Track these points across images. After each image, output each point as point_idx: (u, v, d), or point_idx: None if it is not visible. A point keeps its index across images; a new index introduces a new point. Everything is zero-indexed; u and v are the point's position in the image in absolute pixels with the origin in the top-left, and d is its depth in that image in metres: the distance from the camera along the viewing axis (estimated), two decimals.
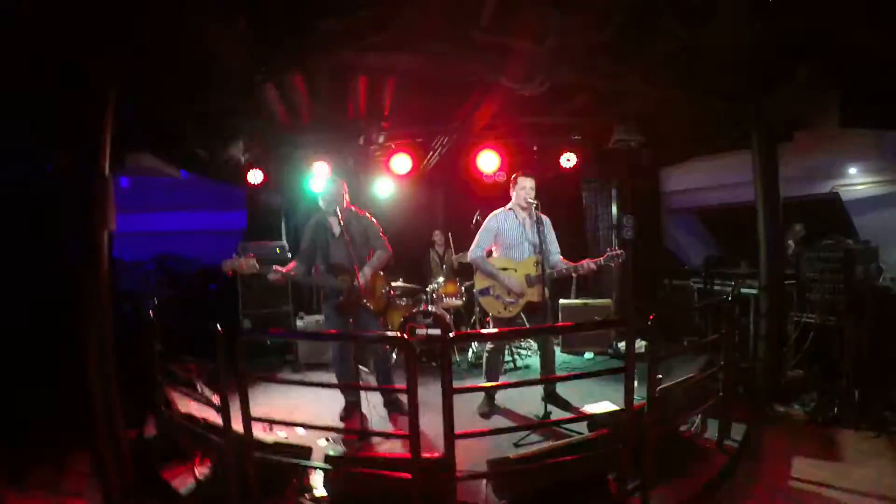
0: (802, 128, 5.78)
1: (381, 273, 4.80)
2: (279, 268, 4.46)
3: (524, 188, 4.70)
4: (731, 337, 4.07)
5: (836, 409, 4.78)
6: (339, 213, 4.50)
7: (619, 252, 4.64)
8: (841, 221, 6.35)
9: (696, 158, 7.39)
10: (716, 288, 6.68)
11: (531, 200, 4.66)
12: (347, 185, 4.79)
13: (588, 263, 4.62)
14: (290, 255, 6.83)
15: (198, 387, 4.76)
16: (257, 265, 4.34)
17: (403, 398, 4.72)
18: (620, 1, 3.87)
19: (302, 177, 6.93)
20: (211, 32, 3.77)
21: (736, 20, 3.99)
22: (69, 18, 3.37)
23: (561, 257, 4.79)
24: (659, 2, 3.90)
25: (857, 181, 6.06)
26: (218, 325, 3.16)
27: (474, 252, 4.79)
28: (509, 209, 4.83)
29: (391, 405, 4.83)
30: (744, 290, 5.87)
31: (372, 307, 4.60)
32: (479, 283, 4.80)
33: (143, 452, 3.94)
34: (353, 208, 4.76)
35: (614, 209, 8.16)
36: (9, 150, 4.23)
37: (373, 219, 4.81)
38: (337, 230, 4.57)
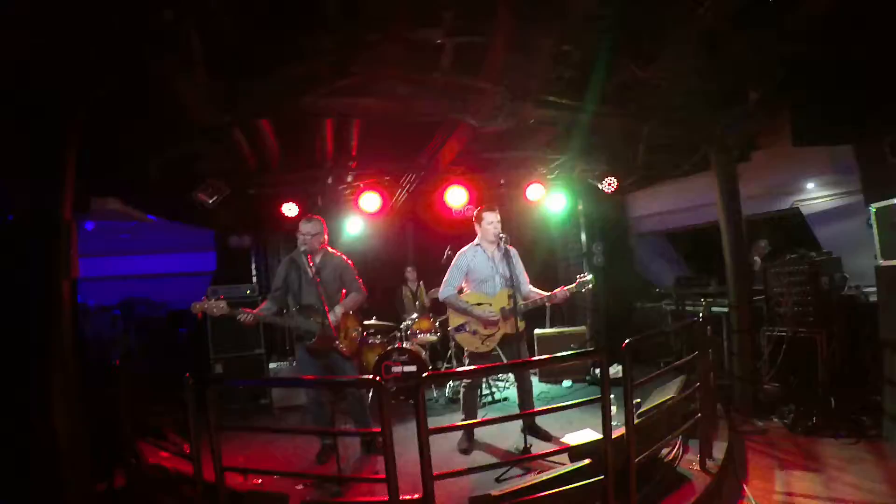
0: (759, 148, 5.98)
1: (354, 315, 4.73)
2: (249, 309, 4.37)
3: (490, 223, 4.71)
4: (705, 357, 4.10)
5: (814, 418, 4.85)
6: (311, 254, 4.46)
7: (588, 278, 4.68)
8: (804, 235, 6.53)
9: (660, 182, 7.56)
10: (688, 308, 6.76)
11: (497, 233, 4.68)
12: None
13: (560, 291, 4.65)
14: (259, 297, 6.74)
15: (168, 436, 4.62)
16: (227, 307, 4.26)
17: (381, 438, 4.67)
18: (575, 42, 4.00)
19: (271, 218, 6.89)
20: (173, 80, 3.76)
21: (682, 57, 4.15)
22: (31, 61, 3.34)
23: (532, 287, 4.81)
24: (611, 44, 4.04)
25: (815, 195, 6.25)
26: (188, 374, 3.08)
27: (446, 290, 4.76)
28: (476, 244, 4.83)
29: (369, 446, 4.71)
30: (715, 309, 5.95)
31: (344, 349, 4.52)
32: (454, 320, 4.78)
33: None
34: (329, 249, 4.71)
35: (583, 237, 8.27)
36: None
37: (349, 261, 4.76)
38: (310, 270, 4.51)
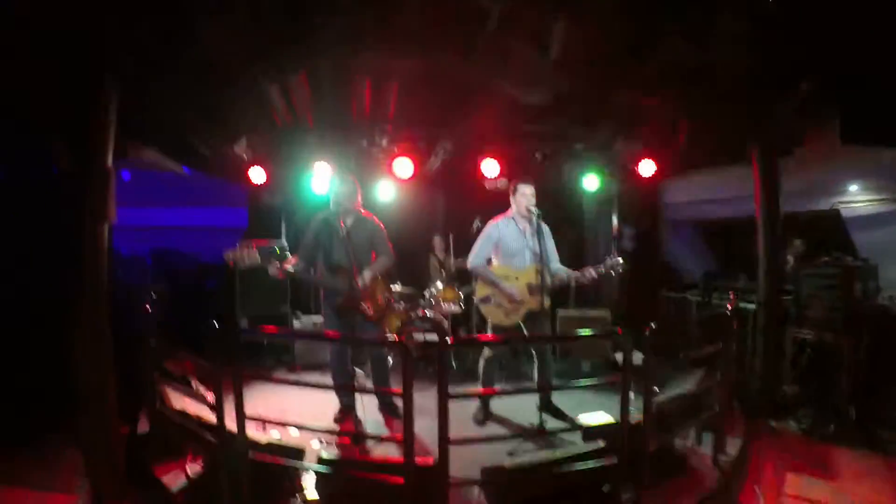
0: (804, 143, 5.81)
1: (382, 279, 4.77)
2: (279, 262, 4.42)
3: (524, 195, 4.68)
4: (728, 351, 4.06)
5: (831, 426, 4.78)
6: (347, 213, 4.48)
7: (618, 260, 4.64)
8: (840, 238, 6.38)
9: (698, 170, 7.40)
10: (714, 302, 6.67)
11: (532, 209, 4.64)
12: None
13: (589, 271, 4.62)
14: (289, 254, 6.80)
15: (192, 384, 4.75)
16: (259, 257, 4.30)
17: (399, 402, 4.74)
18: (625, 15, 3.89)
19: (303, 177, 6.92)
20: (211, 28, 3.77)
21: (736, 39, 4.02)
22: (70, 14, 3.37)
23: (560, 266, 4.78)
24: (661, 17, 3.92)
25: (857, 198, 6.09)
26: (215, 323, 3.15)
27: (474, 260, 4.76)
28: (509, 217, 4.81)
29: (387, 408, 4.81)
30: (742, 305, 5.86)
31: (370, 312, 4.56)
32: (480, 291, 4.78)
33: (135, 448, 3.93)
34: (361, 211, 4.73)
35: (614, 220, 8.17)
36: (15, 150, 4.23)
37: (381, 224, 4.78)
38: (342, 230, 4.54)
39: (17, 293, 4.16)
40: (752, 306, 5.61)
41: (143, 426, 4.25)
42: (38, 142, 4.15)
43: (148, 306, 4.10)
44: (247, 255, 4.27)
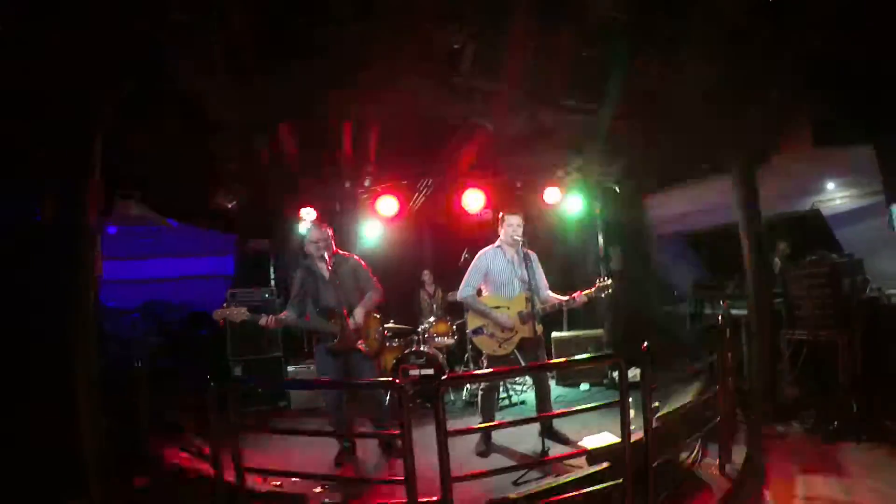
0: (779, 148, 5.92)
1: (374, 314, 4.77)
2: (269, 315, 4.42)
3: (511, 225, 4.70)
4: (724, 360, 4.06)
5: (835, 423, 4.77)
6: (326, 257, 4.49)
7: (607, 283, 4.66)
8: (824, 236, 6.45)
9: (679, 184, 7.50)
10: (706, 311, 6.70)
11: (518, 238, 4.66)
12: (335, 228, 4.80)
13: (578, 296, 4.64)
14: (277, 300, 6.79)
15: (188, 437, 4.68)
16: (248, 313, 4.32)
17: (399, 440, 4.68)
18: (595, 43, 4.00)
19: (290, 222, 6.95)
20: (192, 82, 3.83)
21: (702, 59, 4.13)
22: (57, 71, 3.42)
23: (550, 292, 4.80)
24: (629, 47, 4.03)
25: (835, 196, 6.18)
26: (209, 375, 3.12)
27: (464, 291, 4.76)
28: (497, 247, 4.82)
29: (386, 448, 4.74)
30: (734, 312, 5.89)
31: (366, 349, 4.56)
32: (472, 322, 4.78)
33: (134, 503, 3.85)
34: (340, 252, 4.75)
35: (601, 240, 8.23)
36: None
37: (361, 261, 4.80)
38: (326, 275, 4.56)
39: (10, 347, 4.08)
40: (743, 312, 5.64)
41: (140, 481, 4.16)
42: (22, 190, 4.13)
43: (138, 362, 4.06)
44: (236, 313, 4.29)
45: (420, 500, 2.76)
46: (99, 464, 3.48)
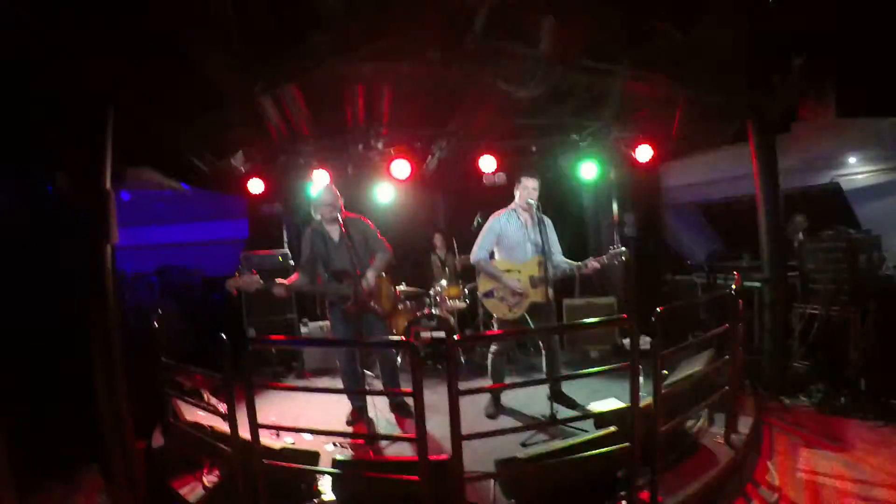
0: (800, 118, 5.79)
1: (385, 275, 4.80)
2: (282, 281, 4.46)
3: (527, 188, 4.68)
4: (735, 330, 4.06)
5: (842, 399, 4.78)
6: (339, 219, 4.50)
7: (621, 249, 4.65)
8: (842, 211, 6.36)
9: (696, 153, 7.40)
10: (719, 282, 6.67)
11: (532, 201, 4.65)
12: (348, 191, 4.80)
13: (591, 262, 4.63)
14: (292, 262, 6.85)
15: (204, 396, 4.79)
16: (260, 281, 4.36)
17: (409, 401, 4.75)
18: (614, 4, 3.90)
19: (302, 185, 6.96)
20: (204, 51, 3.81)
21: (727, 18, 4.01)
22: (67, 39, 3.41)
23: (563, 257, 4.80)
24: (651, 5, 3.92)
25: (856, 170, 6.06)
26: (224, 335, 3.18)
27: (477, 254, 4.77)
28: (511, 210, 4.81)
29: (398, 408, 4.84)
30: (747, 283, 5.86)
31: (379, 309, 4.62)
32: (483, 285, 4.80)
33: (151, 463, 3.97)
34: (348, 214, 4.75)
35: (615, 207, 8.16)
36: (8, 172, 4.27)
37: (369, 221, 4.80)
38: (336, 237, 4.57)
39: (25, 319, 4.18)
40: (757, 284, 5.61)
41: (159, 441, 4.29)
42: (34, 164, 4.18)
43: (156, 323, 4.14)
44: (249, 283, 4.34)
45: (430, 457, 2.81)
46: (117, 425, 3.56)
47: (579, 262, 4.68)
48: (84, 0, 3.30)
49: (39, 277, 4.18)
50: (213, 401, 4.58)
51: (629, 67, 4.60)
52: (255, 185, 6.80)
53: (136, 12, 3.41)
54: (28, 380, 4.06)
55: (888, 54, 4.38)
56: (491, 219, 4.84)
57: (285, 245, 7.73)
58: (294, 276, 4.67)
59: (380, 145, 6.68)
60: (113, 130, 3.72)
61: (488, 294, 4.74)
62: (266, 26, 3.84)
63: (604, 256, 4.64)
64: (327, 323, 5.79)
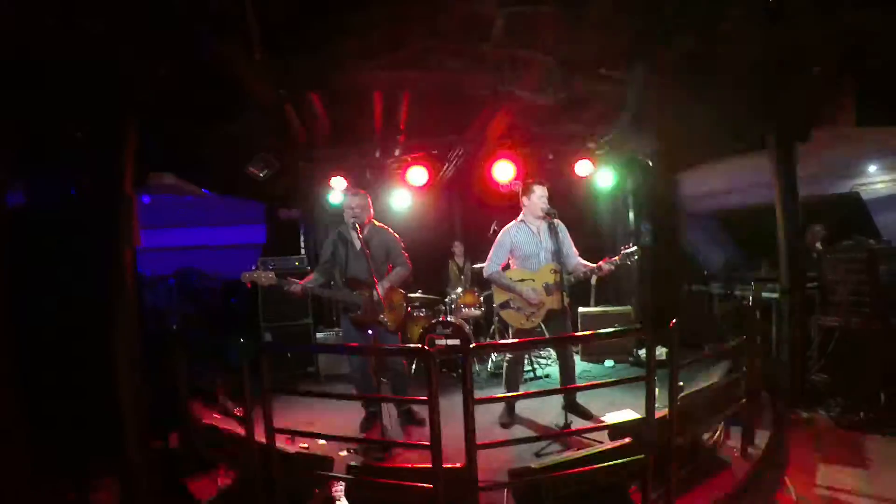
0: (819, 126, 5.73)
1: (400, 290, 4.79)
2: (296, 280, 4.49)
3: (537, 196, 4.69)
4: (752, 342, 4.02)
5: (861, 413, 4.70)
6: (360, 226, 4.49)
7: (633, 249, 4.63)
8: (862, 221, 6.28)
9: (714, 161, 7.34)
10: (736, 293, 6.61)
11: (545, 208, 4.64)
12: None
13: (606, 263, 4.61)
14: (308, 269, 6.90)
15: (221, 399, 4.84)
16: (275, 278, 4.39)
17: (417, 408, 4.74)
18: (632, 12, 3.90)
19: (320, 192, 7.02)
20: (231, 59, 3.87)
21: (745, 27, 4.00)
22: (93, 45, 3.48)
23: (580, 259, 4.78)
24: (668, 13, 3.92)
25: (877, 179, 5.98)
26: (241, 339, 3.22)
27: (489, 269, 4.77)
28: (521, 221, 4.81)
29: (406, 416, 4.81)
30: (765, 294, 5.79)
31: (388, 323, 4.57)
32: (498, 297, 4.80)
33: (167, 464, 4.01)
34: (375, 223, 4.74)
35: (631, 216, 8.13)
36: (34, 175, 4.34)
37: (396, 235, 4.80)
38: (358, 244, 4.56)
39: (47, 319, 4.25)
40: (775, 295, 5.54)
41: (175, 442, 4.34)
42: (56, 165, 4.26)
43: (175, 326, 4.20)
44: (263, 276, 4.37)
45: (444, 465, 2.82)
46: (136, 424, 3.61)
47: (594, 265, 4.66)
48: (109, 3, 3.36)
49: (63, 278, 4.25)
50: (230, 404, 4.62)
51: (646, 75, 4.60)
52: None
53: (161, 16, 3.47)
54: (49, 377, 4.14)
55: None
56: (500, 233, 4.84)
57: (302, 251, 7.79)
58: (309, 277, 4.68)
59: (397, 152, 6.73)
60: (136, 136, 3.79)
61: (504, 305, 4.74)
62: (288, 34, 3.90)
63: (616, 257, 4.63)
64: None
